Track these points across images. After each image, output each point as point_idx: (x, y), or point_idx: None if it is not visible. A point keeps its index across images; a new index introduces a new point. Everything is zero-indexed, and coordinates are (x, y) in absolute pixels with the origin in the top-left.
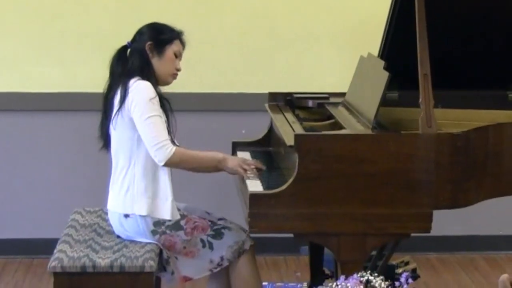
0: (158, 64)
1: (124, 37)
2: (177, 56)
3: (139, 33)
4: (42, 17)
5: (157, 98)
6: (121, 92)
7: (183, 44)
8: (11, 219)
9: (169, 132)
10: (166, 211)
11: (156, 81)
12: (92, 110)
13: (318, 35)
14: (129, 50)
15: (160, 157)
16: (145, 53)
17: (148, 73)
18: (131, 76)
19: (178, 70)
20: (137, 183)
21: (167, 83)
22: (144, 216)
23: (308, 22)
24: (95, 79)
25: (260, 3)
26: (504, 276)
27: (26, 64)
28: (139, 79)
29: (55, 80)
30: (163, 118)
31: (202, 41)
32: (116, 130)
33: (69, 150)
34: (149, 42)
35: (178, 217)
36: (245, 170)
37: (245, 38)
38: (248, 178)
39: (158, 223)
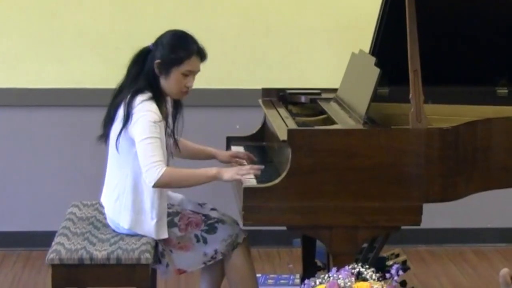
0: (164, 83)
1: (120, 34)
2: (188, 75)
3: (160, 43)
4: (40, 15)
5: (160, 123)
6: (124, 109)
7: (202, 59)
8: (10, 212)
9: (173, 136)
10: (149, 229)
11: (164, 95)
12: (89, 105)
13: (311, 32)
14: (150, 54)
15: (150, 178)
16: (154, 70)
17: (156, 89)
18: (139, 90)
19: (188, 87)
20: (125, 196)
21: (176, 98)
22: None
23: (301, 19)
24: (92, 75)
25: (254, 0)
26: (505, 270)
27: (24, 61)
28: (146, 100)
29: (53, 76)
30: (163, 143)
31: (197, 38)
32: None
33: (67, 144)
34: (157, 61)
35: (165, 236)
36: (242, 175)
37: (239, 36)
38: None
39: None
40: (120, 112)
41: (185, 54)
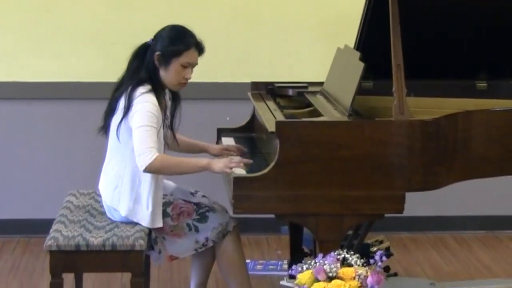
0: (164, 74)
1: (116, 31)
2: (186, 66)
3: (159, 36)
4: (39, 11)
5: (158, 114)
6: (125, 100)
7: (200, 52)
8: (9, 201)
9: (171, 128)
10: (144, 218)
11: (164, 87)
12: (86, 98)
13: (298, 28)
14: (149, 48)
15: (141, 163)
16: (154, 62)
17: (156, 81)
18: (140, 82)
19: (187, 79)
20: (124, 185)
21: (175, 90)
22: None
23: (288, 15)
24: (89, 70)
25: None
26: None
27: (24, 56)
28: (146, 92)
29: (51, 70)
30: (160, 134)
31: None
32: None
33: (64, 135)
34: (157, 53)
35: (160, 225)
36: (232, 168)
37: (229, 31)
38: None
39: None
40: (121, 104)
41: (184, 46)
